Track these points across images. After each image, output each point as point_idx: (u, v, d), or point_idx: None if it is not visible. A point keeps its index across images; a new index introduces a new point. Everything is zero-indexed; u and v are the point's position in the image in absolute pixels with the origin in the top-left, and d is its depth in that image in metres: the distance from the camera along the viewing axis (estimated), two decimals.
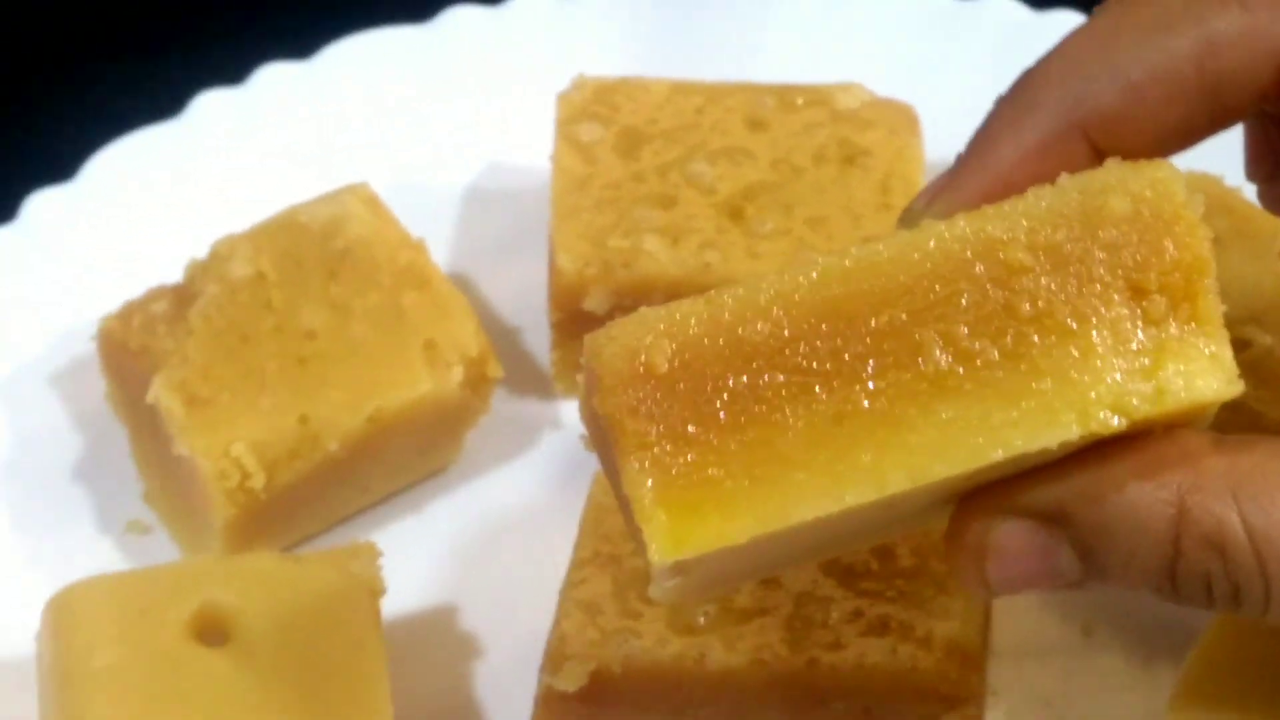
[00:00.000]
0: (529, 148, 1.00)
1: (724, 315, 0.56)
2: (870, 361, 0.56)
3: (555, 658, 0.79)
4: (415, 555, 0.89)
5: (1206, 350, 0.57)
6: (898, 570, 0.80)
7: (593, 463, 0.63)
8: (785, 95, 0.96)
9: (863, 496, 0.56)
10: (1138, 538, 0.58)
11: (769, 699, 0.78)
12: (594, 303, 0.90)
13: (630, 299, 0.89)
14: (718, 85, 0.97)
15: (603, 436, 0.58)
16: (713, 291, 0.57)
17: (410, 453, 0.90)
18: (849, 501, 0.56)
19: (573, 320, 0.91)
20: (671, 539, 0.55)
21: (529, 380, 0.97)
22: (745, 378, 0.56)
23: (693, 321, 0.57)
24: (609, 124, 0.96)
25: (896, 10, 1.08)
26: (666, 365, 0.56)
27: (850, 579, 0.80)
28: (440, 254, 0.96)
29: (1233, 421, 0.77)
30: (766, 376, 0.56)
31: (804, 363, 0.56)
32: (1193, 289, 0.57)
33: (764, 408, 0.56)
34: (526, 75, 1.05)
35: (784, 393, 0.56)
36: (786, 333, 0.56)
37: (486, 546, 0.90)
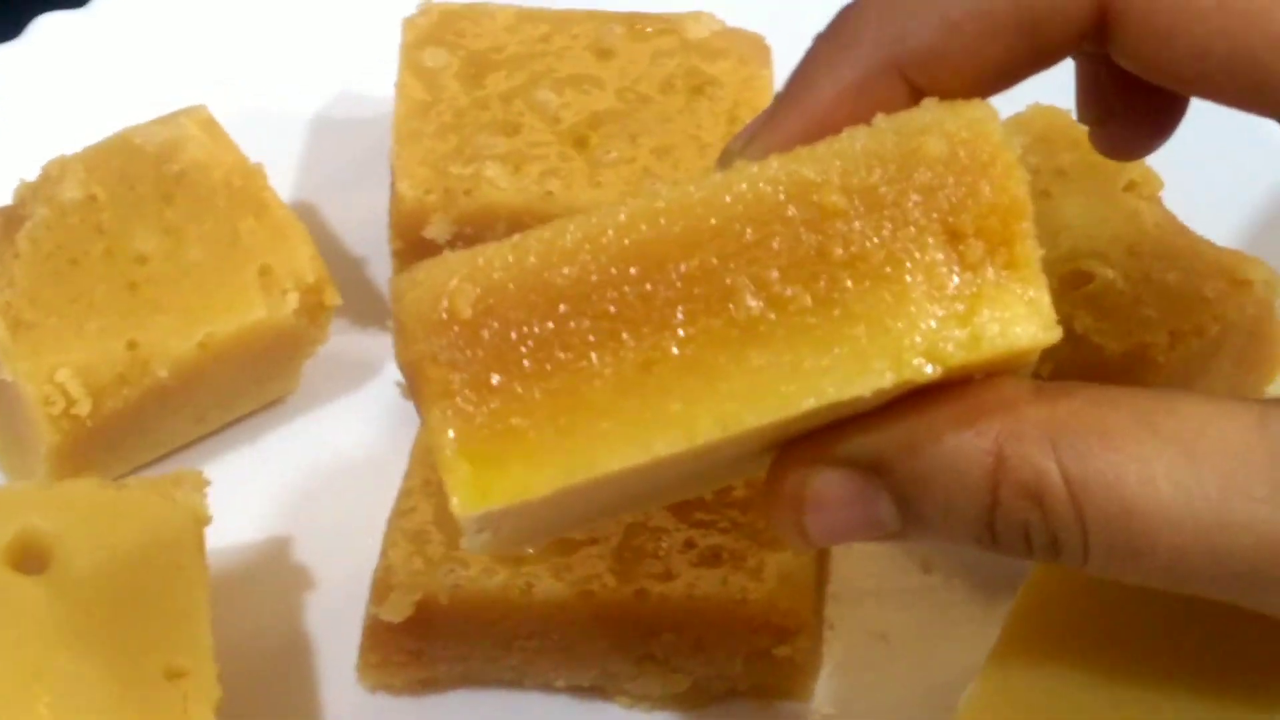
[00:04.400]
0: (376, 75, 0.98)
1: (529, 259, 0.55)
2: (680, 307, 0.55)
3: (381, 588, 0.78)
4: (249, 487, 0.88)
5: (1024, 296, 0.55)
6: (731, 501, 0.79)
7: None
8: (634, 23, 0.95)
9: (672, 446, 0.54)
10: (955, 488, 0.56)
11: (597, 630, 0.77)
12: (435, 230, 0.89)
13: (471, 227, 0.89)
14: (565, 12, 0.95)
15: (411, 382, 0.56)
16: (519, 235, 0.55)
17: (245, 382, 0.89)
18: (657, 451, 0.54)
19: (414, 249, 0.90)
20: (475, 491, 0.54)
21: (370, 311, 0.96)
22: (551, 324, 0.55)
23: (497, 265, 0.55)
24: (454, 49, 0.94)
25: None
26: (470, 311, 0.54)
27: (683, 510, 0.79)
28: (282, 181, 0.94)
29: (1074, 356, 0.81)
30: (573, 323, 0.55)
31: (611, 308, 0.55)
32: (1010, 233, 0.55)
33: (570, 355, 0.54)
34: None
35: (590, 339, 0.55)
36: (594, 277, 0.55)
37: (322, 479, 0.89)
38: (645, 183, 0.89)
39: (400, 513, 0.80)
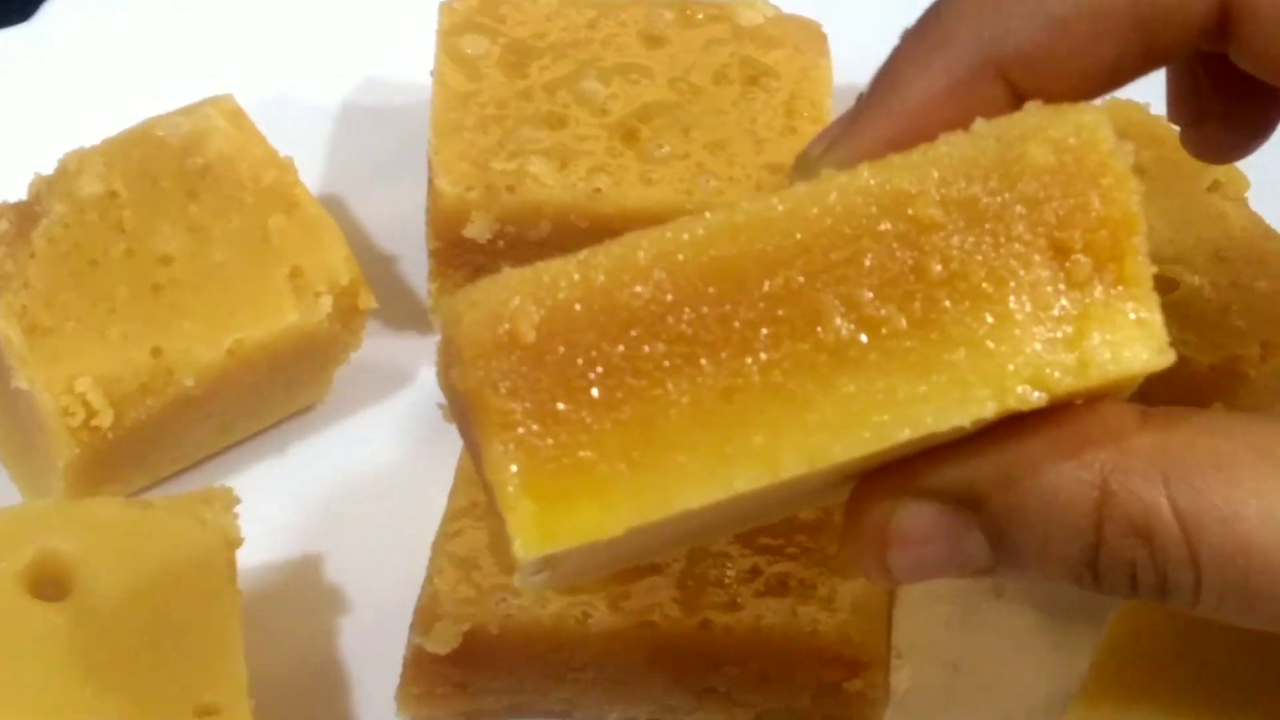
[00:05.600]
0: (410, 61, 0.95)
1: (598, 277, 0.51)
2: (763, 330, 0.52)
3: (426, 617, 0.74)
4: (278, 501, 0.84)
5: (1135, 316, 0.53)
6: (799, 525, 0.76)
7: None
8: (685, 9, 0.92)
9: (754, 482, 0.51)
10: (1055, 523, 0.54)
11: (657, 663, 0.74)
12: (476, 229, 0.85)
13: (514, 225, 0.86)
14: None
15: (464, 412, 0.53)
16: (586, 251, 0.52)
17: (274, 390, 0.85)
18: (738, 488, 0.51)
19: (453, 248, 0.87)
20: (539, 531, 0.51)
21: (405, 313, 0.92)
22: (622, 348, 0.51)
23: (563, 284, 0.51)
24: (495, 37, 0.90)
25: None
26: (534, 334, 0.51)
27: (748, 534, 0.75)
28: (311, 174, 0.91)
29: (1159, 370, 0.76)
30: (646, 347, 0.51)
31: (688, 331, 0.51)
32: (1120, 249, 0.52)
33: (643, 382, 0.51)
34: None
35: (666, 365, 0.51)
36: (669, 297, 0.51)
37: (356, 492, 0.86)
38: (699, 179, 0.86)
39: (446, 536, 0.76)
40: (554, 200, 0.85)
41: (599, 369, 0.51)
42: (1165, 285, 0.77)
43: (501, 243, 0.86)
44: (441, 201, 0.85)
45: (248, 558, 0.76)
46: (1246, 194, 0.83)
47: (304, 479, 0.86)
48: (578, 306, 0.51)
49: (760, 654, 0.74)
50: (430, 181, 0.87)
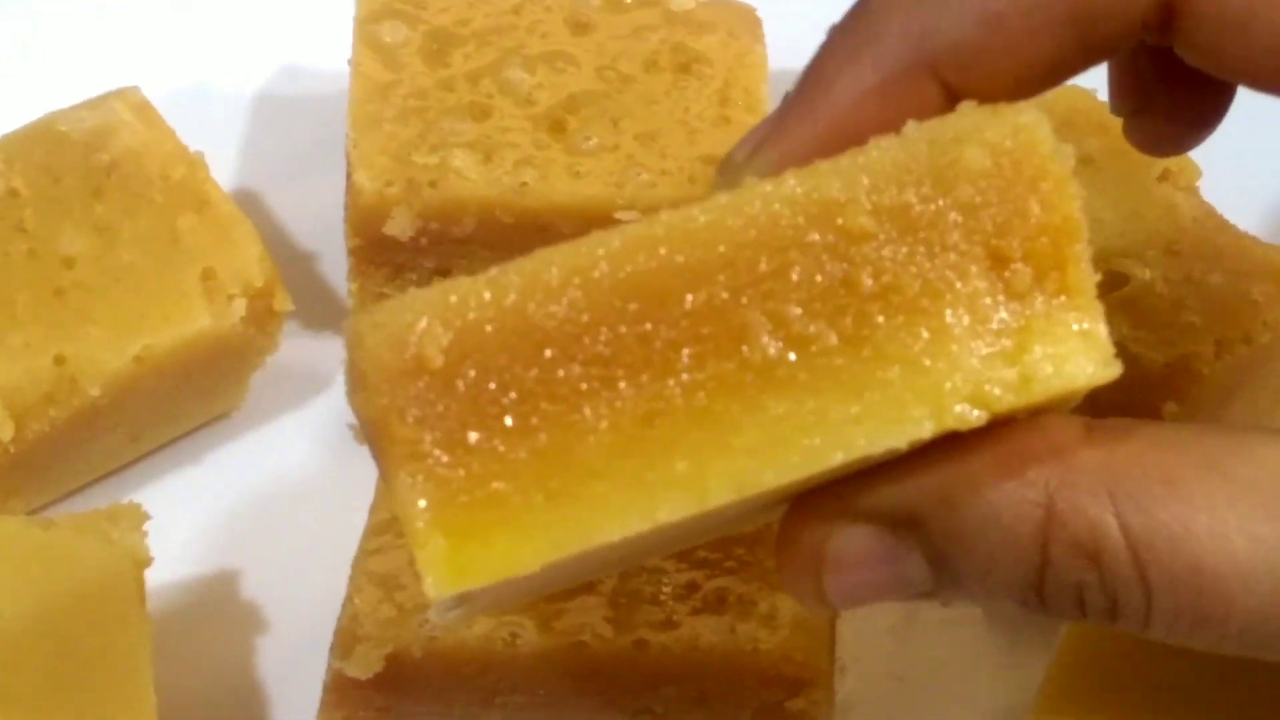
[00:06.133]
0: (331, 47, 0.91)
1: (509, 296, 0.49)
2: (685, 349, 0.50)
3: (346, 639, 0.72)
4: (191, 515, 0.82)
5: (1078, 327, 0.51)
6: (737, 537, 0.73)
7: None
8: None
9: (678, 512, 0.49)
10: (999, 545, 0.52)
11: (590, 684, 0.72)
12: (397, 227, 0.82)
13: (438, 222, 0.83)
14: None
15: (371, 438, 0.51)
16: (496, 269, 0.50)
17: (186, 398, 0.83)
18: (662, 518, 0.49)
19: (374, 246, 0.84)
20: (451, 568, 0.48)
21: (324, 314, 0.89)
22: (536, 371, 0.49)
23: (472, 304, 0.49)
24: (415, 24, 0.87)
25: None
26: (442, 358, 0.49)
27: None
28: (224, 170, 0.89)
29: None
30: (562, 370, 0.49)
31: (606, 352, 0.49)
32: (1062, 256, 0.51)
33: (559, 407, 0.49)
34: None
35: (583, 388, 0.49)
36: (585, 316, 0.49)
37: (274, 505, 0.83)
38: (630, 172, 0.83)
39: (367, 553, 0.73)
40: (478, 195, 0.82)
41: (512, 394, 0.49)
42: (1115, 280, 0.78)
43: (424, 240, 0.84)
44: (360, 198, 0.82)
45: (158, 577, 0.74)
46: (1198, 183, 0.82)
47: (219, 491, 0.84)
48: (488, 328, 0.49)
49: (698, 674, 0.71)
50: (349, 177, 0.85)
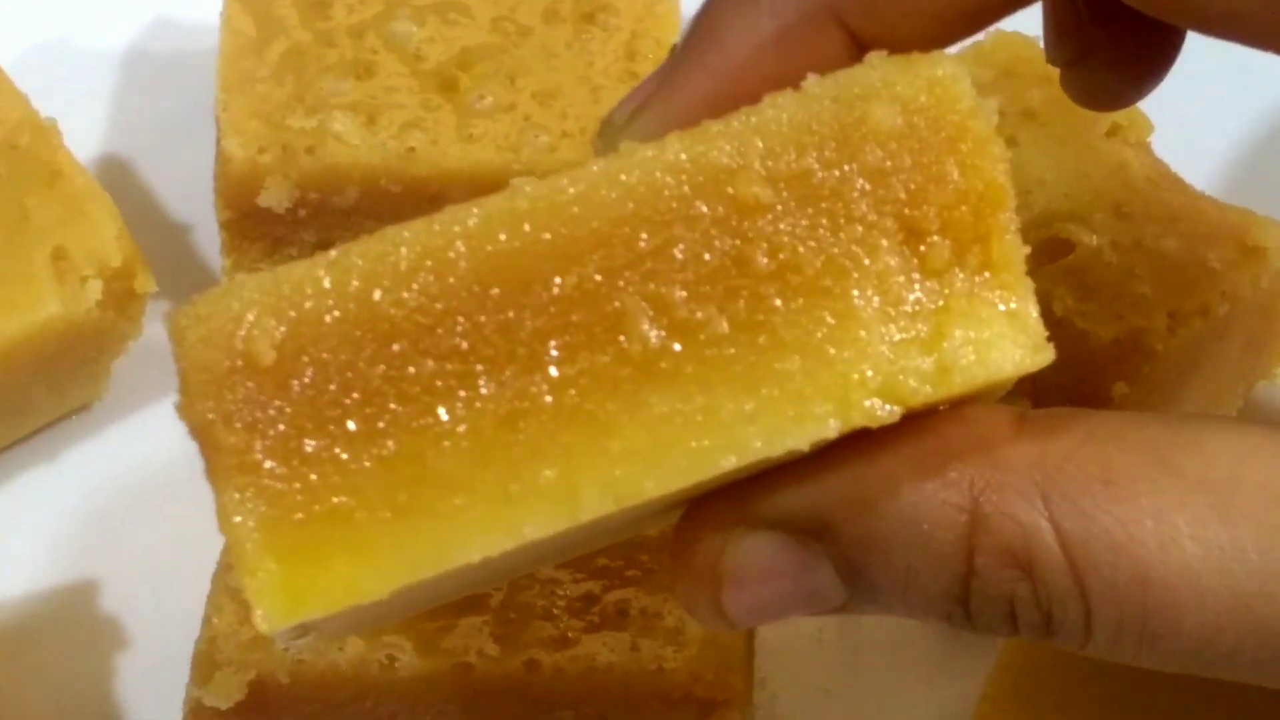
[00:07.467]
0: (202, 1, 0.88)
1: (352, 282, 0.46)
2: (553, 341, 0.47)
3: (205, 664, 0.67)
4: (46, 518, 0.79)
5: (1004, 308, 0.48)
6: (640, 541, 0.69)
7: None
8: None
9: (547, 527, 0.46)
10: (918, 553, 0.49)
11: (476, 710, 0.68)
12: (271, 198, 0.80)
13: (317, 192, 0.80)
14: None
15: (200, 447, 0.48)
16: (336, 250, 0.47)
17: (39, 390, 0.80)
18: (529, 535, 0.46)
19: (247, 219, 0.81)
20: (286, 596, 0.45)
21: (196, 293, 0.82)
22: (383, 368, 0.46)
23: (309, 291, 0.46)
24: None
25: None
26: (274, 354, 0.46)
27: (580, 555, 0.69)
28: (84, 137, 0.86)
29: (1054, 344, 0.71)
30: (412, 366, 0.46)
31: (463, 345, 0.46)
32: (985, 228, 0.48)
33: (410, 409, 0.46)
34: None
35: (437, 387, 0.46)
36: (439, 305, 0.46)
37: (138, 506, 0.80)
38: (527, 135, 0.80)
39: (227, 566, 0.69)
40: (361, 162, 0.79)
41: (355, 395, 0.46)
42: (1058, 247, 0.74)
43: (303, 211, 0.81)
44: (230, 166, 0.80)
45: (8, 586, 0.74)
46: (1150, 139, 0.78)
47: (77, 491, 0.80)
48: (328, 319, 0.46)
49: (597, 697, 0.68)
50: (218, 142, 0.81)
